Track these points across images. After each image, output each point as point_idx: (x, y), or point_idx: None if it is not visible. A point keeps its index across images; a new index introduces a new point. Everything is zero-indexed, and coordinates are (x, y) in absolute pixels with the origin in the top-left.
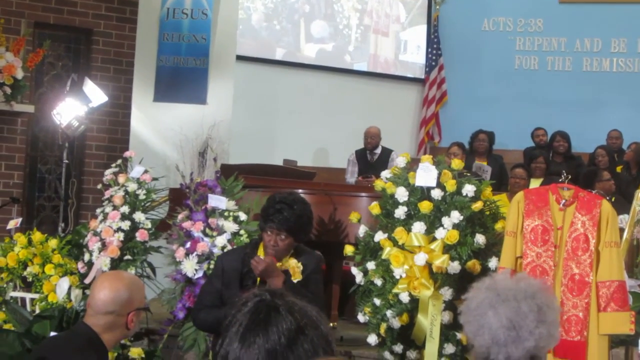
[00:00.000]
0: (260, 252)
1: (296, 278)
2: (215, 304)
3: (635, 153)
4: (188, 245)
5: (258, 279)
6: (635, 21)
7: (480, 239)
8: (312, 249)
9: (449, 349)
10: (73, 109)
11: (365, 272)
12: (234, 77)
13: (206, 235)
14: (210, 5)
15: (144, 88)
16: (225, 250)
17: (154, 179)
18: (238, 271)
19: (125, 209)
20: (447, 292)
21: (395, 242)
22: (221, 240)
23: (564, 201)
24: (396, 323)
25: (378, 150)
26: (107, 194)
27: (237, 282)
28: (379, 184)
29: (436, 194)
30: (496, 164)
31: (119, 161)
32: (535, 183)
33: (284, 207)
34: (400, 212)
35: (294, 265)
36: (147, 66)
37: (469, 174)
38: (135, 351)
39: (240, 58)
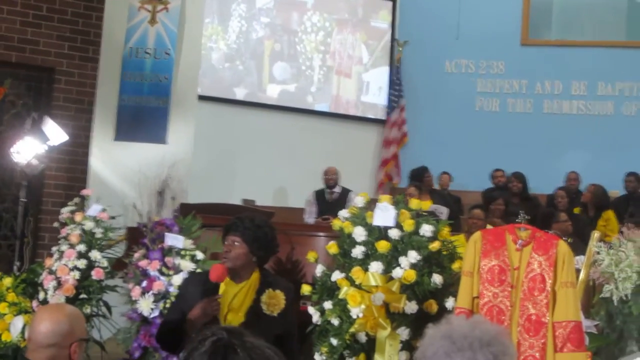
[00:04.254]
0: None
1: (273, 310)
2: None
3: (593, 195)
4: (144, 284)
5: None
6: (595, 64)
7: (437, 278)
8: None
9: None
10: (32, 147)
11: (322, 312)
12: (195, 117)
13: (162, 274)
14: (173, 45)
15: (104, 127)
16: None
17: (111, 217)
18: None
19: (81, 247)
20: (404, 332)
21: (352, 282)
22: (177, 279)
23: (520, 241)
24: None
25: (337, 190)
26: (63, 232)
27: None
28: (336, 224)
29: (394, 233)
30: (443, 201)
31: (76, 199)
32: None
33: (244, 218)
34: (357, 252)
35: (272, 296)
36: (108, 105)
37: (426, 214)
38: None
39: (202, 98)
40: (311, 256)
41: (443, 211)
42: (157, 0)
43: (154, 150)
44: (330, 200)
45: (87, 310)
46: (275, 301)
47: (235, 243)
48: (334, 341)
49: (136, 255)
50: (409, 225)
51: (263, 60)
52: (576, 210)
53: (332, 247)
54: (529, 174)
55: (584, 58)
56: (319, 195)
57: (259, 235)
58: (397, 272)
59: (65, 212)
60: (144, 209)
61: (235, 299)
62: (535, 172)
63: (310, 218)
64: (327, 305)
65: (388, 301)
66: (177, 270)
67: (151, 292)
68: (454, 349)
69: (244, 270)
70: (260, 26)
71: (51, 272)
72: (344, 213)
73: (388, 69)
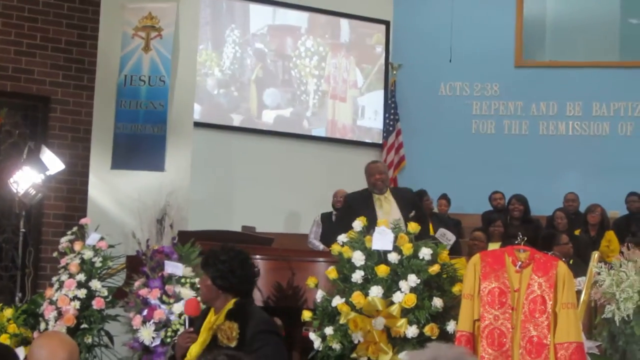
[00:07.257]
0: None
1: (229, 342)
2: None
3: (602, 215)
4: (145, 312)
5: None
6: (590, 85)
7: (437, 302)
8: (267, 314)
9: None
10: (30, 177)
11: (324, 338)
12: (192, 143)
13: (163, 302)
14: (167, 72)
15: (101, 155)
16: (182, 317)
17: (110, 246)
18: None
19: (81, 277)
20: (405, 357)
21: (353, 307)
22: (178, 307)
23: (520, 263)
24: None
25: None
26: (62, 262)
27: None
28: (335, 248)
29: (393, 257)
30: (443, 225)
31: (75, 228)
32: (493, 246)
33: (210, 253)
34: (357, 276)
35: (227, 327)
36: (104, 133)
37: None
38: None
39: (197, 124)
40: (311, 282)
41: (451, 238)
42: (150, 27)
43: (152, 178)
44: None
45: (89, 340)
46: (228, 333)
47: (204, 277)
48: None
49: (136, 284)
50: (407, 248)
51: (257, 85)
52: (577, 232)
53: (332, 272)
54: (527, 196)
55: (578, 79)
56: (325, 217)
57: (221, 268)
58: (397, 296)
59: (64, 241)
60: (143, 237)
61: (203, 331)
62: (534, 194)
63: (315, 239)
64: (329, 330)
65: (389, 325)
66: (178, 298)
67: (152, 320)
68: None
69: (218, 303)
70: (254, 52)
71: (52, 302)
72: (342, 238)
73: (383, 92)
